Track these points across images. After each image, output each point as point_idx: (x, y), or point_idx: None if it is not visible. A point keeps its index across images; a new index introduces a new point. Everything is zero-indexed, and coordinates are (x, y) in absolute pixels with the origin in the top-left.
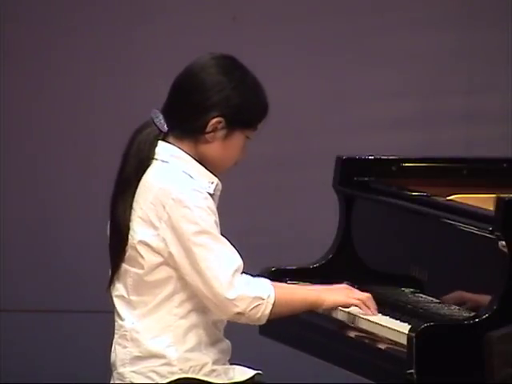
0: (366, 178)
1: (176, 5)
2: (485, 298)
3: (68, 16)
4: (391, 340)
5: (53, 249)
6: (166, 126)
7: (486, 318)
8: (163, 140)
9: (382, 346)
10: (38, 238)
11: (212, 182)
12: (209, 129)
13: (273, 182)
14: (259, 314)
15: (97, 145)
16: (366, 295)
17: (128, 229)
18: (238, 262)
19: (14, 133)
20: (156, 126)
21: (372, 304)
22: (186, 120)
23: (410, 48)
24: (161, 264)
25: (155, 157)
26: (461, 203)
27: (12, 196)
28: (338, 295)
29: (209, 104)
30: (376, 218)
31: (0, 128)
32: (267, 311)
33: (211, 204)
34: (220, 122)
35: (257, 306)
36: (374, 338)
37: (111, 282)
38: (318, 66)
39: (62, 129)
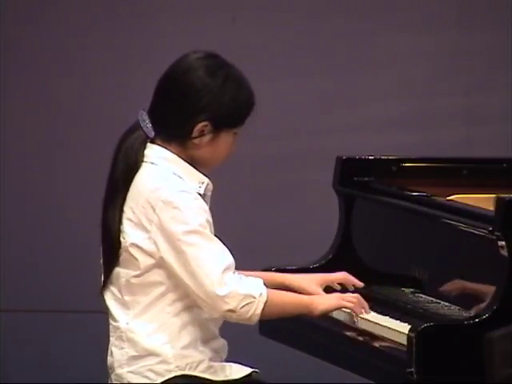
0: (365, 178)
1: (175, 5)
2: (485, 298)
3: (67, 17)
4: (391, 340)
5: (53, 249)
6: (152, 131)
7: (486, 317)
8: (152, 142)
9: (381, 346)
10: (37, 238)
11: (202, 183)
12: (195, 134)
13: (273, 182)
14: (250, 313)
15: (96, 145)
16: (355, 295)
17: (119, 233)
18: (229, 259)
19: (13, 134)
20: (143, 130)
21: (363, 304)
22: (172, 125)
23: (409, 48)
24: (154, 266)
25: (144, 159)
26: (461, 203)
27: (12, 196)
28: (331, 300)
29: (194, 109)
30: (376, 217)
31: (1, 127)
32: (258, 310)
33: (202, 204)
34: (206, 126)
35: (248, 303)
36: (374, 337)
37: (104, 286)
38: (318, 65)
39: (62, 130)
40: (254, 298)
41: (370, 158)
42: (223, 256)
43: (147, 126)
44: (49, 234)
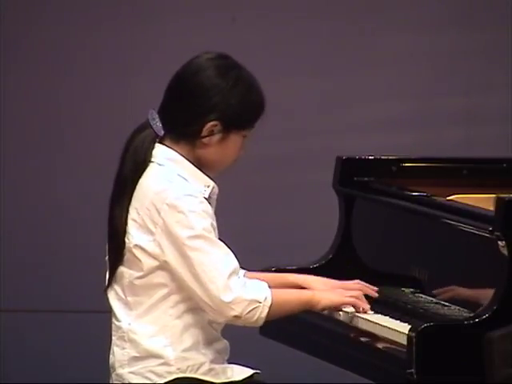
0: (365, 178)
1: (175, 5)
2: (485, 298)
3: (67, 17)
4: (391, 340)
5: (53, 249)
6: (162, 129)
7: (486, 317)
8: (160, 142)
9: (381, 346)
10: (38, 238)
11: (208, 186)
12: (204, 133)
13: (273, 182)
14: (256, 317)
15: (96, 145)
16: (359, 292)
17: (125, 232)
18: (234, 264)
19: (14, 133)
20: (152, 129)
21: (365, 301)
22: (181, 124)
23: (409, 48)
24: (158, 268)
25: (152, 159)
26: (461, 203)
27: (12, 196)
28: (333, 295)
29: (204, 108)
30: (376, 218)
31: (1, 128)
32: (264, 314)
33: (207, 208)
34: (216, 126)
35: (253, 309)
36: (373, 338)
37: (109, 284)
38: (318, 65)
39: (62, 130)
40: (260, 302)
41: (370, 158)
42: (228, 261)
43: (157, 124)
44: (49, 233)
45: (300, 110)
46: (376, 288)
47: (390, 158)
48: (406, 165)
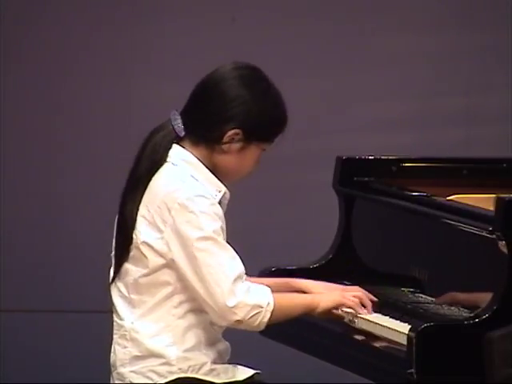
0: (365, 178)
1: (175, 5)
2: (485, 298)
3: (67, 17)
4: (391, 340)
5: (53, 249)
6: (183, 131)
7: (486, 317)
8: (178, 143)
9: (381, 346)
10: (37, 238)
11: (219, 191)
12: (225, 140)
13: (273, 182)
14: (257, 322)
15: (96, 145)
16: (361, 294)
17: (133, 228)
18: (240, 269)
19: (15, 133)
20: (174, 129)
21: (368, 302)
22: (203, 128)
23: (409, 48)
24: (163, 266)
25: (167, 159)
26: (461, 203)
27: (12, 196)
28: (334, 296)
29: (228, 115)
30: (376, 218)
31: (1, 127)
32: (266, 319)
33: (218, 210)
34: (237, 134)
35: (256, 314)
36: (373, 338)
37: (113, 281)
38: (318, 65)
39: (62, 130)
40: (262, 307)
41: (370, 158)
42: (234, 265)
43: (179, 125)
44: (49, 233)
45: (300, 110)
46: (375, 299)
47: (390, 158)
48: (406, 165)
